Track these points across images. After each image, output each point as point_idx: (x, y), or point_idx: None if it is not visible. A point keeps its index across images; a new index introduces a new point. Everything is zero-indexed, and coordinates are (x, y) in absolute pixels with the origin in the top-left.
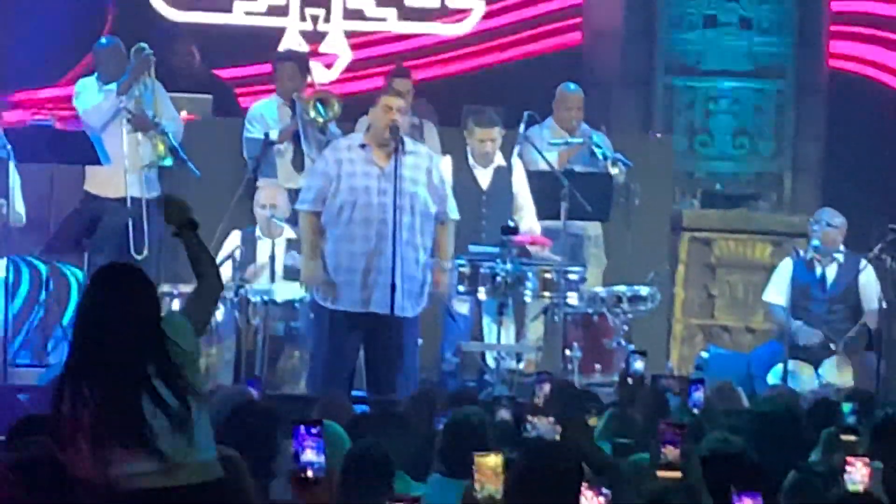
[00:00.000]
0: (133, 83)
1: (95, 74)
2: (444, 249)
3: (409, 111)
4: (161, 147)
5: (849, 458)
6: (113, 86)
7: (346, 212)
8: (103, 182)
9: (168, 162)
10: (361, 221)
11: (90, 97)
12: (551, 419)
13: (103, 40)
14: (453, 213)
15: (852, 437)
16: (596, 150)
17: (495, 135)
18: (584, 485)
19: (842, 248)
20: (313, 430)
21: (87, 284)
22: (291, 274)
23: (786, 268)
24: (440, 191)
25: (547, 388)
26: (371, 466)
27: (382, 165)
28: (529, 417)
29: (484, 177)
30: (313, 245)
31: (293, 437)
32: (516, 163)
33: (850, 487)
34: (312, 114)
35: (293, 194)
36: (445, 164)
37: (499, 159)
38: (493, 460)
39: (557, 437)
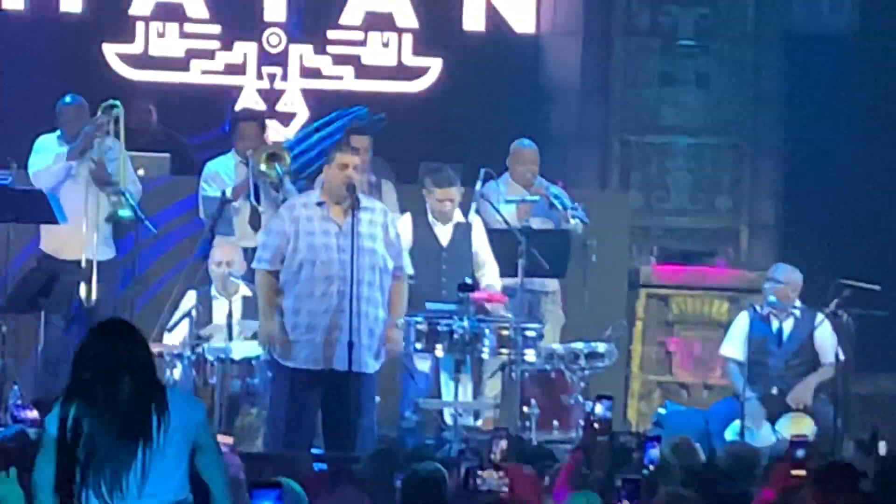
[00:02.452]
0: (87, 149)
1: (58, 132)
2: (396, 306)
3: (366, 168)
4: (120, 202)
5: None
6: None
7: (307, 269)
8: (59, 244)
9: (127, 213)
10: (322, 279)
11: (44, 158)
12: (501, 473)
13: (67, 98)
14: (408, 268)
15: (801, 472)
16: (555, 200)
17: (454, 194)
18: None
19: (798, 303)
20: (272, 494)
21: (87, 337)
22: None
23: (742, 322)
24: (396, 246)
25: (504, 444)
26: None
27: (340, 223)
28: (479, 472)
29: (444, 233)
30: (270, 304)
31: (252, 500)
32: (475, 220)
33: None
34: (264, 168)
35: (249, 252)
36: (405, 222)
37: (458, 216)
38: None
39: (505, 490)
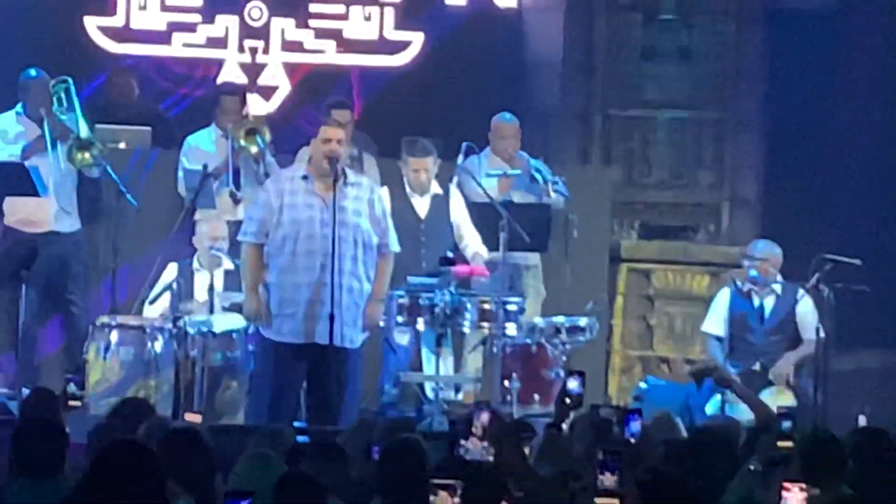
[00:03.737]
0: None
1: (18, 107)
2: (379, 282)
3: (349, 142)
4: (86, 156)
5: (785, 484)
6: (33, 125)
7: (290, 244)
8: (27, 216)
9: (94, 173)
10: (305, 253)
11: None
12: (485, 443)
13: (32, 72)
14: (394, 246)
15: (788, 443)
16: (536, 174)
17: (428, 164)
18: None
19: (779, 278)
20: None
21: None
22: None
23: (723, 298)
24: (381, 223)
25: (485, 417)
26: (301, 491)
27: (325, 196)
28: (462, 441)
29: (421, 205)
30: (254, 278)
31: None
32: (453, 191)
33: None
34: (244, 143)
35: (231, 226)
36: (383, 195)
37: (435, 188)
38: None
39: (490, 460)
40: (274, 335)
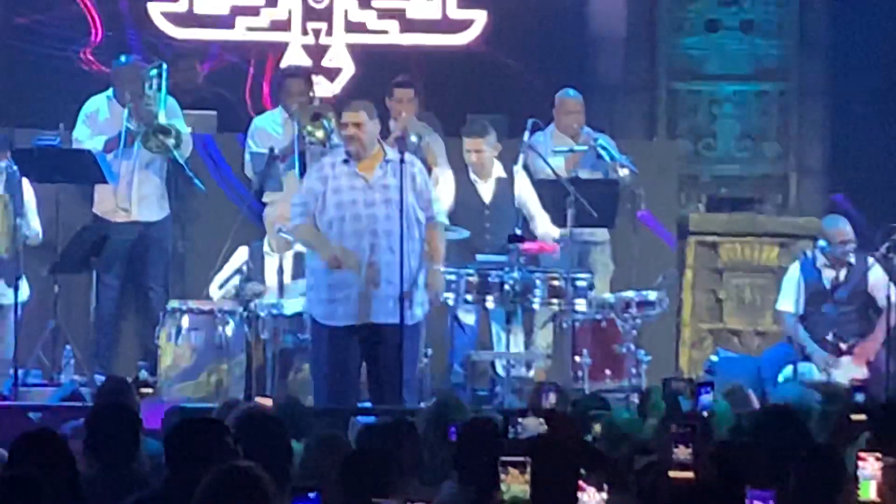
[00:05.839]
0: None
1: (109, 92)
2: (433, 252)
3: (412, 121)
4: (161, 142)
5: (860, 454)
6: (120, 111)
7: (336, 226)
8: (111, 204)
9: (178, 156)
10: (352, 234)
11: (88, 130)
12: (541, 420)
13: (122, 58)
14: (441, 216)
15: (861, 416)
16: (602, 151)
17: (481, 145)
18: (583, 482)
19: (851, 250)
20: (311, 496)
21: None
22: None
23: (794, 273)
24: (425, 194)
25: (553, 397)
26: (369, 471)
27: (367, 177)
28: (519, 419)
29: (486, 190)
30: (319, 236)
31: None
32: (518, 172)
33: (863, 483)
34: (310, 128)
35: None
36: (447, 180)
37: (498, 170)
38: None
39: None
40: (327, 319)
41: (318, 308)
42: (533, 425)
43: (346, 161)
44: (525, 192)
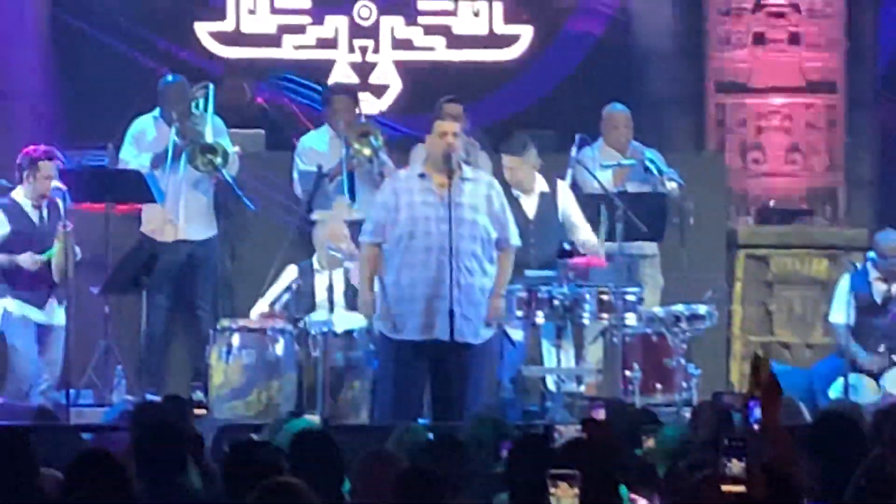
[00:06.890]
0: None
1: (156, 111)
2: (501, 276)
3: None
4: (208, 161)
5: None
6: (166, 130)
7: (406, 241)
8: (159, 224)
9: (225, 175)
10: (422, 250)
11: (136, 150)
12: (578, 427)
13: (169, 77)
14: (514, 240)
15: None
16: (650, 165)
17: (516, 163)
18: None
19: None
20: None
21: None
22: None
23: (844, 285)
24: (500, 217)
25: (602, 413)
26: (422, 488)
27: (441, 193)
28: (557, 427)
29: (529, 205)
30: (369, 279)
31: None
32: (560, 185)
33: None
34: (357, 146)
35: (349, 226)
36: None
37: (542, 185)
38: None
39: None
40: (394, 333)
41: (386, 322)
42: (570, 432)
43: (422, 175)
44: (567, 206)
